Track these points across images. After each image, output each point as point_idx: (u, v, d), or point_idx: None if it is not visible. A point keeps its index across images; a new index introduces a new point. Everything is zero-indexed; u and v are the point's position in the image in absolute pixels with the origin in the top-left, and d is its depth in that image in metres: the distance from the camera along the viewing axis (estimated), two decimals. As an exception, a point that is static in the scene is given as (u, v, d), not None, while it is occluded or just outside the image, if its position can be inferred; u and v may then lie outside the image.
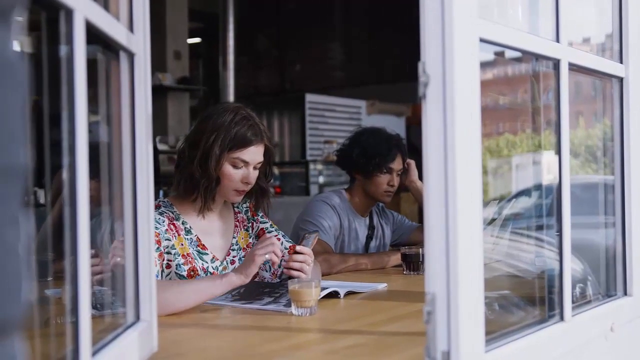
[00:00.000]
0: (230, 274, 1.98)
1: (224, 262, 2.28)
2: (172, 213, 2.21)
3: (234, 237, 2.34)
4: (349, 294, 2.17)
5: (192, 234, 2.22)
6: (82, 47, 1.02)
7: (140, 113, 1.37)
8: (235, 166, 2.19)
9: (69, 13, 1.00)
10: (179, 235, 2.18)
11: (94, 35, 1.12)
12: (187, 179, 2.20)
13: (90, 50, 1.07)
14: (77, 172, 1.01)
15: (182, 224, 2.22)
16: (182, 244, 2.18)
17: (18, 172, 0.59)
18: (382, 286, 2.34)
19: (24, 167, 0.60)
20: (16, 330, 0.58)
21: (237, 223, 2.38)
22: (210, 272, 2.21)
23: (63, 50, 1.02)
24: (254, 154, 2.21)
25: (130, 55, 1.35)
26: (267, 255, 1.96)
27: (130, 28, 1.35)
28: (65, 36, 1.01)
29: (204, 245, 2.23)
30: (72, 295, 1.01)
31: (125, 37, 1.30)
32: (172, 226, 2.17)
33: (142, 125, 1.37)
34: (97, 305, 1.36)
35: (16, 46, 0.60)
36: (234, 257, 2.31)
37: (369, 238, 3.13)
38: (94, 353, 1.10)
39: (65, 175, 1.02)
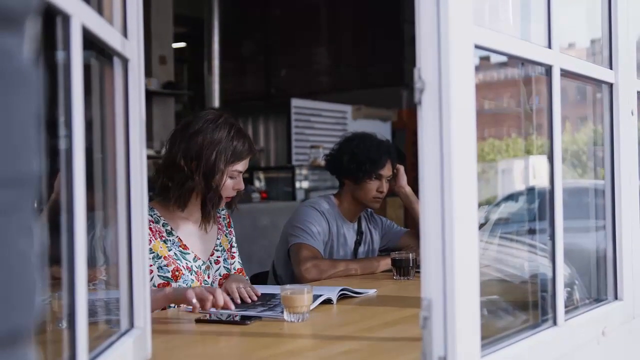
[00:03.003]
0: (170, 291, 2.05)
1: (207, 262, 2.35)
2: (152, 216, 2.26)
3: (218, 239, 2.42)
4: (341, 298, 2.17)
5: (173, 235, 2.28)
6: (79, 52, 1.02)
7: (134, 118, 1.37)
8: (231, 177, 2.29)
9: (66, 19, 0.99)
10: (156, 238, 2.24)
11: (88, 41, 1.11)
12: (187, 193, 2.25)
13: (84, 55, 1.07)
14: (74, 178, 1.00)
15: (163, 226, 2.28)
16: (161, 247, 2.23)
17: (31, 180, 0.59)
18: (372, 292, 2.34)
19: (37, 175, 0.60)
20: (29, 339, 0.58)
21: (220, 226, 2.46)
22: (194, 271, 2.28)
23: (59, 55, 1.02)
24: (247, 163, 2.34)
25: (124, 61, 1.34)
26: (194, 300, 1.90)
27: (125, 34, 1.34)
28: (62, 42, 1.00)
29: (185, 245, 2.30)
30: (69, 302, 1.00)
31: (120, 42, 1.29)
32: (149, 230, 2.21)
33: (136, 130, 1.37)
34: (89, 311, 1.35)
35: (29, 53, 0.60)
36: (218, 257, 2.40)
37: (358, 243, 3.13)
38: (90, 361, 1.09)
39: (62, 181, 1.01)
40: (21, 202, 0.57)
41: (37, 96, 0.60)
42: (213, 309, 1.97)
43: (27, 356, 0.57)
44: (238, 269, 2.46)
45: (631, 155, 1.88)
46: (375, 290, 2.36)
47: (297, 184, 7.50)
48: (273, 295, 2.18)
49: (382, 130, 7.53)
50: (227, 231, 2.49)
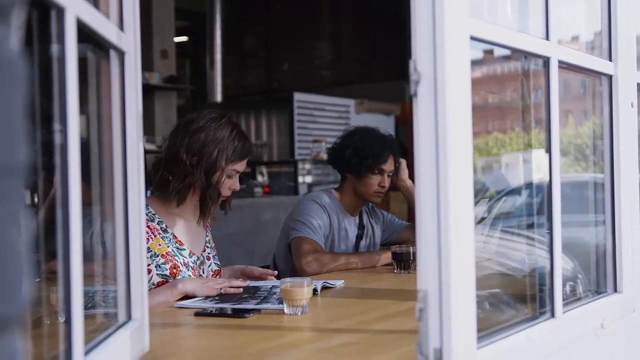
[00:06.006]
0: (179, 283, 2.11)
1: (201, 257, 2.40)
2: (147, 215, 2.27)
3: (207, 236, 2.48)
4: (324, 288, 2.23)
5: (168, 232, 2.31)
6: (73, 45, 1.02)
7: (131, 112, 1.37)
8: (229, 176, 2.33)
9: (60, 11, 0.99)
10: (155, 236, 2.27)
11: (84, 34, 1.11)
12: (187, 188, 2.29)
13: (80, 48, 1.07)
14: (69, 173, 1.00)
15: (158, 224, 2.31)
16: (159, 245, 2.27)
17: (19, 170, 0.59)
18: (339, 283, 2.38)
19: (24, 164, 0.60)
20: (17, 328, 0.59)
21: (208, 225, 2.51)
22: (190, 267, 2.32)
23: (54, 48, 1.02)
24: (245, 164, 2.38)
25: (121, 54, 1.34)
26: (222, 290, 2.13)
27: (121, 26, 1.34)
28: (57, 35, 1.00)
29: (180, 241, 2.33)
30: (64, 295, 1.00)
31: (116, 35, 1.29)
32: (147, 228, 2.23)
33: (133, 124, 1.37)
34: (87, 304, 1.35)
35: (16, 44, 0.60)
36: (208, 253, 2.45)
37: (359, 237, 3.13)
38: (86, 352, 1.09)
39: (57, 176, 1.01)
40: (9, 191, 0.58)
41: (24, 87, 0.60)
42: (209, 304, 1.99)
43: (14, 344, 0.58)
44: (215, 270, 2.48)
45: (631, 148, 1.87)
46: (343, 281, 2.40)
47: (300, 179, 7.50)
48: (257, 288, 2.21)
49: (385, 124, 7.53)
50: (210, 230, 2.55)
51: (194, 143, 2.27)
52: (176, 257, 2.27)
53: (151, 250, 2.22)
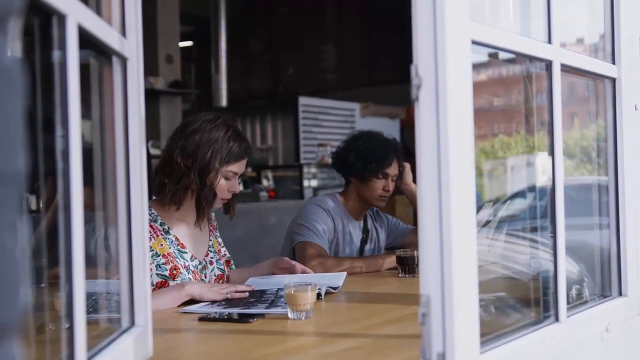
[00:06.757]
0: (186, 285, 2.11)
1: (203, 262, 2.40)
2: (150, 215, 2.28)
3: (210, 240, 2.47)
4: (328, 293, 2.22)
5: (171, 234, 2.32)
6: (75, 52, 1.02)
7: (134, 118, 1.37)
8: (226, 178, 2.32)
9: (62, 18, 0.99)
10: (157, 236, 2.27)
11: (86, 40, 1.12)
12: (182, 190, 2.29)
13: (83, 55, 1.07)
14: (71, 178, 1.01)
15: (160, 225, 2.31)
16: (161, 245, 2.27)
17: (17, 177, 0.59)
18: (342, 275, 2.41)
19: (22, 172, 0.60)
20: (14, 335, 0.59)
21: (211, 228, 2.51)
22: (191, 270, 2.32)
23: (55, 55, 1.02)
24: (243, 166, 2.37)
25: (123, 60, 1.35)
26: (228, 295, 2.12)
27: (123, 33, 1.35)
28: (58, 41, 1.01)
29: (182, 244, 2.34)
30: (67, 301, 1.01)
31: (118, 41, 1.30)
32: (149, 228, 2.24)
33: (136, 130, 1.37)
34: (90, 309, 1.35)
35: (13, 52, 0.60)
36: (211, 258, 2.45)
37: (364, 241, 3.13)
38: (89, 358, 1.09)
39: (59, 181, 1.01)
40: (6, 199, 0.58)
41: (22, 94, 0.60)
42: (216, 308, 1.98)
43: (12, 352, 0.58)
44: (218, 274, 2.47)
45: (635, 150, 1.87)
46: (345, 273, 2.42)
47: (305, 183, 7.50)
48: (263, 292, 2.21)
49: (390, 127, 7.53)
50: (216, 233, 2.54)
51: (189, 145, 2.27)
52: (177, 259, 2.28)
53: (152, 250, 2.23)
